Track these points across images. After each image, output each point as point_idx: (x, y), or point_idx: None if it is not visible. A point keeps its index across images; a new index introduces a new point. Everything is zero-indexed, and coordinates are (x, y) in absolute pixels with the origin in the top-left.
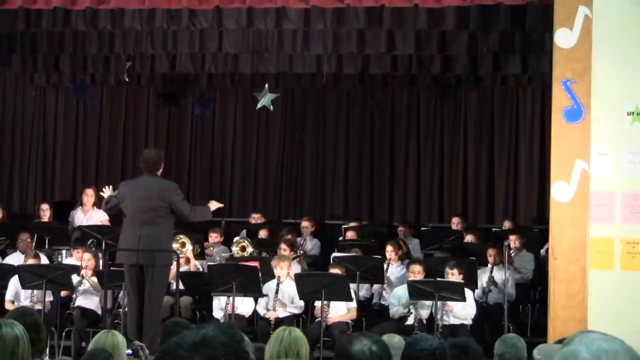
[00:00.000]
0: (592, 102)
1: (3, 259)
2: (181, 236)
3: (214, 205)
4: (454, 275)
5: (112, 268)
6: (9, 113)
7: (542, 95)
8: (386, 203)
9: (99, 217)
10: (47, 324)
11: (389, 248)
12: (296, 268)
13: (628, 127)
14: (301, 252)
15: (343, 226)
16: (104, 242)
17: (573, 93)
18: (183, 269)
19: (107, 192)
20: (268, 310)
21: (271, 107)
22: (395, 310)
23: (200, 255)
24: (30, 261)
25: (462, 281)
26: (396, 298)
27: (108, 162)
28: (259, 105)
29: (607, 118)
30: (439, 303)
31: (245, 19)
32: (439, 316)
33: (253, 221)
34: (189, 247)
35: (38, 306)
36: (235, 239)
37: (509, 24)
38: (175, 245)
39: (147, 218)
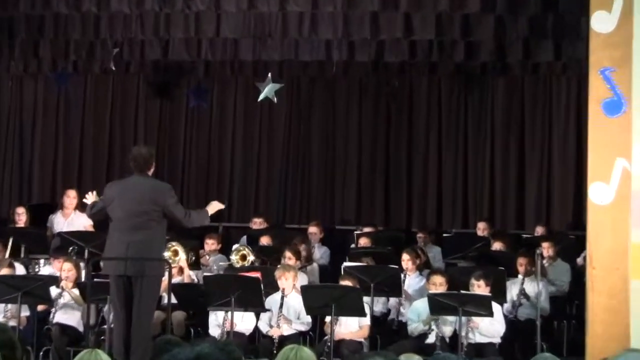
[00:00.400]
0: (634, 93)
1: None
2: (173, 243)
3: (214, 207)
4: (480, 288)
5: (95, 279)
6: None
7: (578, 85)
8: (403, 206)
9: (82, 222)
10: (23, 342)
11: (405, 257)
12: (303, 279)
13: None
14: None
15: (355, 232)
16: (86, 250)
17: (613, 83)
18: (176, 280)
19: (90, 198)
20: (271, 326)
21: (275, 99)
22: (415, 327)
23: (194, 264)
24: (4, 271)
25: (489, 294)
26: (415, 313)
27: (93, 160)
28: (261, 97)
29: None
30: (463, 319)
31: (246, 0)
32: (463, 333)
33: (254, 226)
34: (182, 255)
35: (12, 322)
36: (235, 246)
37: (539, 7)
38: (166, 254)
39: (137, 223)
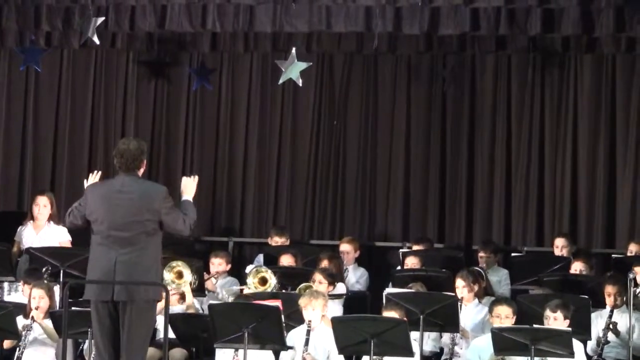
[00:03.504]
0: None
1: None
2: (178, 263)
3: (189, 189)
4: (557, 320)
5: (73, 308)
6: None
7: None
8: (462, 218)
9: (57, 236)
10: None
11: (459, 283)
12: (334, 309)
13: None
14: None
15: (401, 250)
16: (62, 271)
17: None
18: (175, 309)
19: (91, 178)
20: None
21: (300, 81)
22: None
23: (198, 289)
24: None
25: (569, 329)
26: (475, 353)
27: (70, 157)
28: (282, 79)
29: None
30: (536, 359)
31: None
32: None
33: (273, 243)
34: (188, 277)
35: None
36: (249, 267)
37: None
38: (168, 276)
39: (126, 236)
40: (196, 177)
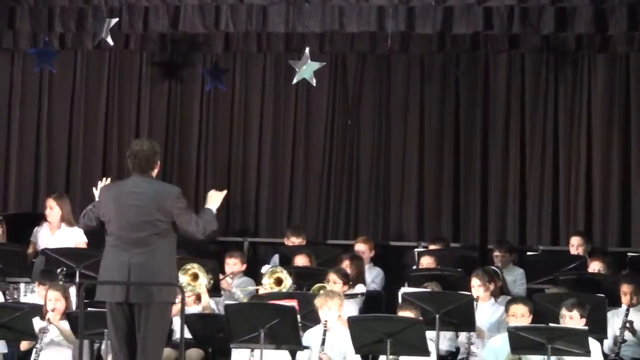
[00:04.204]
0: None
1: None
2: (194, 265)
3: (214, 199)
4: (573, 320)
5: (89, 309)
6: None
7: None
8: (477, 217)
9: (72, 237)
10: None
11: (474, 282)
12: (350, 309)
13: None
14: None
15: (416, 250)
16: (78, 272)
17: None
18: (191, 309)
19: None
20: None
21: (313, 81)
22: None
23: (213, 290)
24: None
25: (586, 327)
26: (492, 352)
27: (83, 158)
28: (296, 79)
29: None
30: (552, 358)
31: None
32: None
33: (289, 243)
34: (203, 280)
35: None
36: (265, 267)
37: None
38: (184, 279)
39: (140, 237)
40: (224, 192)
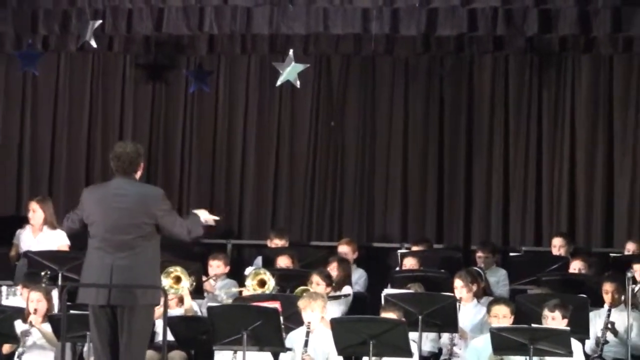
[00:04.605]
0: None
1: None
2: (176, 268)
3: (202, 212)
4: (555, 320)
5: (72, 311)
6: None
7: None
8: (461, 218)
9: (55, 240)
10: None
11: (457, 283)
12: (334, 311)
13: None
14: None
15: (399, 251)
16: (60, 275)
17: None
18: (173, 312)
19: None
20: None
21: (297, 83)
22: None
23: (196, 292)
24: None
25: (568, 328)
26: (474, 353)
27: (67, 160)
28: (280, 81)
29: None
30: (534, 359)
31: None
32: None
33: (272, 245)
34: (185, 283)
35: None
36: (248, 269)
37: None
38: (166, 282)
39: (123, 240)
40: (222, 216)
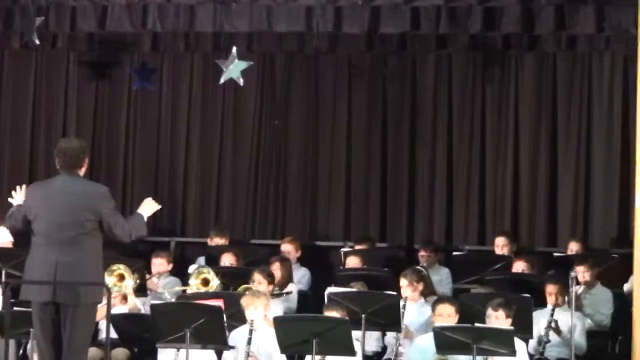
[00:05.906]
0: None
1: None
2: (120, 266)
3: (148, 208)
4: (499, 319)
5: (15, 308)
6: None
7: (625, 64)
8: (404, 217)
9: None
10: None
11: (403, 282)
12: (277, 309)
13: None
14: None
15: (342, 250)
16: (4, 272)
17: None
18: (117, 309)
19: (17, 197)
20: None
21: (241, 81)
22: None
23: (139, 289)
24: None
25: (511, 327)
26: (419, 352)
27: (10, 157)
28: (223, 78)
29: None
30: (478, 358)
31: None
32: None
33: (212, 243)
34: (129, 281)
35: None
36: (192, 267)
37: None
38: (110, 280)
39: (67, 237)
40: (158, 206)
